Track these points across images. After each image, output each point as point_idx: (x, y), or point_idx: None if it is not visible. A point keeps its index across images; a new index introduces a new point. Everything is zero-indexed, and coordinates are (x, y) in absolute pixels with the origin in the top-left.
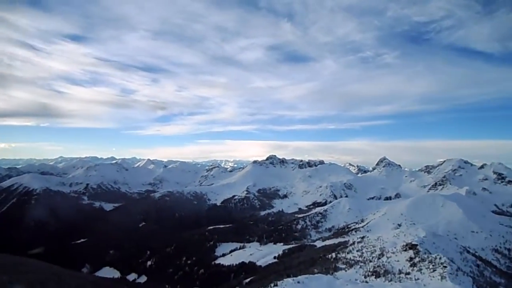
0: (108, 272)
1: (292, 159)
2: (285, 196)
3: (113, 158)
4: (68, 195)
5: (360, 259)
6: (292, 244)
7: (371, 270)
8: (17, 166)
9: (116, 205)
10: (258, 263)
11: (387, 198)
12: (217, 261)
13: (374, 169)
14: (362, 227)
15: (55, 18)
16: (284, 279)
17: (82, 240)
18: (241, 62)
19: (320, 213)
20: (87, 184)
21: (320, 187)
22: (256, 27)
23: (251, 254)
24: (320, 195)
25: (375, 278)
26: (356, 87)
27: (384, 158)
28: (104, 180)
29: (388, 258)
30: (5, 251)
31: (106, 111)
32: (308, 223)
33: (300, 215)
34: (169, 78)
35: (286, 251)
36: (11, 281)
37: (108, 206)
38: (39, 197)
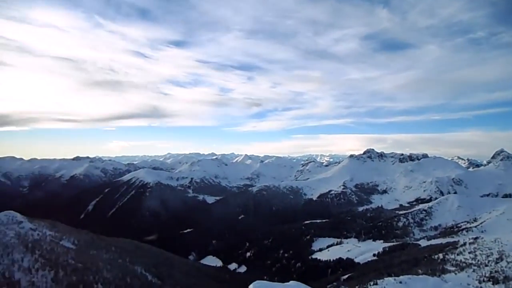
0: (211, 261)
1: (392, 152)
2: (384, 191)
3: (213, 154)
4: (175, 188)
5: (473, 262)
6: (393, 242)
7: (487, 275)
8: (134, 162)
9: (217, 198)
10: (356, 260)
11: (506, 196)
12: (314, 256)
13: (489, 162)
14: (475, 227)
15: (160, 27)
16: (385, 278)
17: (188, 230)
18: (335, 55)
19: (425, 210)
20: (192, 178)
21: (424, 182)
22: (349, 17)
23: (348, 250)
24: (424, 191)
25: (492, 284)
26: (466, 72)
27: (502, 150)
28: (206, 174)
29: (508, 263)
30: (126, 236)
31: (207, 110)
32: (411, 220)
33: (401, 212)
34: (263, 75)
35: (387, 249)
36: (132, 262)
37: (210, 199)
38: (152, 190)
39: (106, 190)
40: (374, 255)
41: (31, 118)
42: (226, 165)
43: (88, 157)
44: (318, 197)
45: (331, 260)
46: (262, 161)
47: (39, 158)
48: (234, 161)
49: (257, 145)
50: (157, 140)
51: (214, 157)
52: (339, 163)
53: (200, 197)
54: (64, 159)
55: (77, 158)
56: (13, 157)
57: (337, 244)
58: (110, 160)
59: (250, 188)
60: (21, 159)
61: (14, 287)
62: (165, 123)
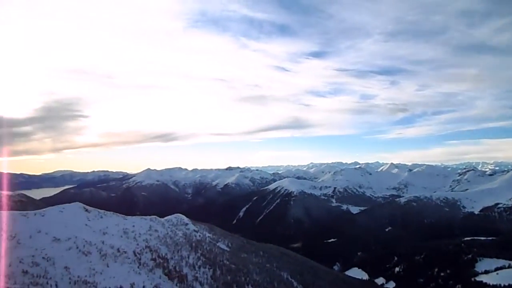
0: (357, 273)
1: None
2: None
3: (356, 163)
4: (319, 198)
5: None
6: None
7: None
8: (279, 172)
9: (361, 208)
10: None
11: None
12: (478, 278)
13: None
14: None
15: (299, 40)
16: None
17: (332, 239)
18: (495, 47)
19: None
20: (335, 188)
21: None
22: None
23: None
24: None
25: None
26: None
27: None
28: (349, 184)
29: None
30: (272, 242)
31: (348, 118)
32: None
33: None
34: (408, 78)
35: None
36: (279, 267)
37: (354, 209)
38: (296, 198)
39: (254, 198)
40: None
41: (192, 134)
42: (370, 174)
43: (238, 167)
44: (480, 211)
45: (502, 285)
46: (410, 170)
47: (199, 168)
48: (379, 170)
49: (404, 153)
50: (300, 150)
51: (357, 166)
52: (507, 171)
53: (344, 206)
54: (218, 169)
55: (229, 168)
56: (180, 167)
57: (508, 267)
58: (257, 170)
59: (397, 199)
60: (186, 169)
61: (183, 279)
62: (307, 133)
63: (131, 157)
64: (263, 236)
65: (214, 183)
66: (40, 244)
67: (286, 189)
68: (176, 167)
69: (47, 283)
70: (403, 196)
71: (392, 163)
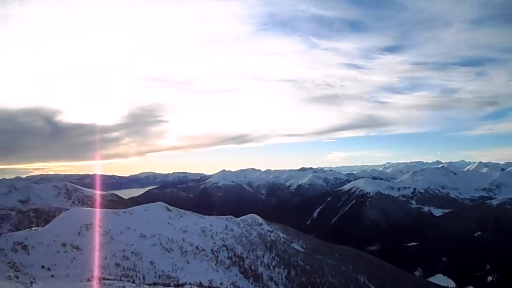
0: (442, 280)
1: None
2: None
3: (438, 162)
4: (396, 199)
5: None
6: None
7: None
8: (354, 172)
9: (445, 210)
10: None
11: None
12: None
13: None
14: None
15: (371, 35)
16: None
17: (412, 243)
18: None
19: None
20: (414, 189)
21: None
22: None
23: None
24: None
25: None
26: None
27: None
28: (431, 184)
29: None
30: (347, 244)
31: (427, 114)
32: None
33: None
34: (497, 68)
35: None
36: (355, 270)
37: (437, 212)
38: (372, 199)
39: (328, 199)
40: None
41: (265, 135)
42: (454, 174)
43: (311, 168)
44: None
45: None
46: (503, 169)
47: (272, 169)
48: (465, 169)
49: (494, 151)
50: (375, 149)
51: (440, 166)
52: None
53: (425, 208)
54: (291, 170)
55: (302, 169)
56: (253, 168)
57: None
58: (331, 170)
59: (488, 201)
60: (259, 170)
61: (259, 279)
62: (382, 132)
63: (207, 159)
64: (337, 237)
65: (287, 183)
66: (129, 240)
67: (361, 190)
68: (250, 168)
69: (136, 275)
70: (495, 198)
71: (480, 162)
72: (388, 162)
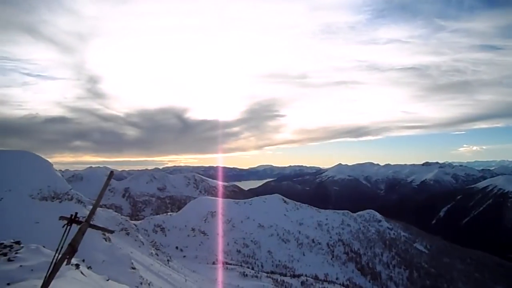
0: None
1: None
2: None
3: None
4: None
5: None
6: None
7: None
8: (490, 168)
9: None
10: None
11: None
12: None
13: None
14: None
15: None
16: None
17: None
18: None
19: None
20: None
21: None
22: None
23: None
24: None
25: None
26: None
27: None
28: None
29: None
30: (481, 249)
31: None
32: None
33: None
34: None
35: None
36: (493, 280)
37: None
38: None
39: (458, 197)
40: None
41: (384, 128)
42: None
43: (437, 163)
44: None
45: None
46: None
47: (392, 163)
48: None
49: None
50: None
51: None
52: None
53: None
54: (413, 165)
55: (426, 164)
56: (371, 163)
57: None
58: (461, 165)
59: None
60: (378, 164)
61: (377, 277)
62: None
63: (323, 153)
64: (469, 241)
65: (409, 179)
66: (249, 229)
67: (500, 188)
68: (368, 162)
69: (255, 263)
70: None
71: None
72: None
